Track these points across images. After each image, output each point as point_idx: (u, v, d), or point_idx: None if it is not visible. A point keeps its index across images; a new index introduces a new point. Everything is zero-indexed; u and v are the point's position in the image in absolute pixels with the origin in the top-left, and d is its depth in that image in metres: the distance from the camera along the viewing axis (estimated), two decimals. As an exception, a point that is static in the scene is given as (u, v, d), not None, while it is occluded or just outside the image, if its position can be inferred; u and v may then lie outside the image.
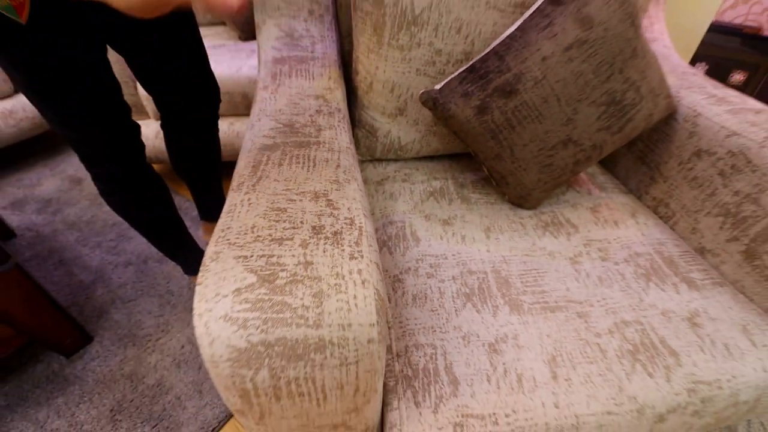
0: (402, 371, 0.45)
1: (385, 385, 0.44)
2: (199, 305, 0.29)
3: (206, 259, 0.31)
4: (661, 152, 0.67)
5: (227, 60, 1.12)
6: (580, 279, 0.55)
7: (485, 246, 0.59)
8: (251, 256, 0.31)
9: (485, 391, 0.43)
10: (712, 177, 0.59)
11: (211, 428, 0.75)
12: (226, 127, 1.18)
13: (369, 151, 0.74)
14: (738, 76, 1.20)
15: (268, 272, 0.30)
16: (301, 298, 0.29)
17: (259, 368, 0.29)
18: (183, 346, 0.89)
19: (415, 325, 0.49)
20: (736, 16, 1.21)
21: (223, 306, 0.28)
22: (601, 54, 0.49)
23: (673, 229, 0.66)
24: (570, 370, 0.45)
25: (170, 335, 0.91)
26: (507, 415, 0.41)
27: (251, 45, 1.24)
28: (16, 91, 1.33)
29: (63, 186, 1.33)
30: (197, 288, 0.30)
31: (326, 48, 0.69)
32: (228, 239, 0.33)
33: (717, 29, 1.21)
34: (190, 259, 0.89)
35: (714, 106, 0.61)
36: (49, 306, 0.77)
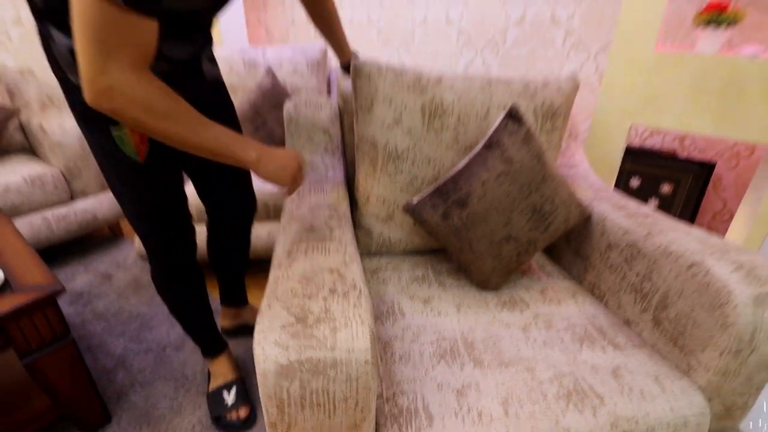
0: (390, 411, 0.58)
1: (377, 422, 0.57)
2: (258, 336, 0.46)
3: (263, 307, 0.49)
4: (587, 247, 0.88)
5: (256, 179, 1.40)
6: (529, 343, 0.71)
7: (456, 318, 0.76)
8: (291, 306, 0.49)
9: (453, 424, 0.56)
10: (621, 264, 0.79)
11: (217, 502, 0.80)
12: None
13: (366, 246, 0.95)
14: (666, 188, 1.49)
15: (302, 315, 0.48)
16: (323, 331, 0.46)
17: (293, 379, 0.45)
18: (194, 426, 0.96)
19: (401, 377, 0.63)
20: (655, 143, 1.55)
21: (273, 335, 0.46)
22: (521, 180, 0.74)
23: (606, 305, 0.84)
24: (518, 409, 0.58)
25: (183, 416, 0.99)
26: (469, 440, 0.54)
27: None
28: (71, 198, 1.59)
29: (94, 281, 1.50)
30: (258, 321, 0.47)
31: (336, 173, 0.95)
32: (276, 296, 0.51)
33: (644, 152, 1.54)
34: (210, 342, 1.03)
35: (616, 211, 0.84)
36: (87, 382, 0.89)
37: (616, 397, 0.61)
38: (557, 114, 0.90)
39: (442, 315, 0.77)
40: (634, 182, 1.51)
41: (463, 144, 0.87)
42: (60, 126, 1.53)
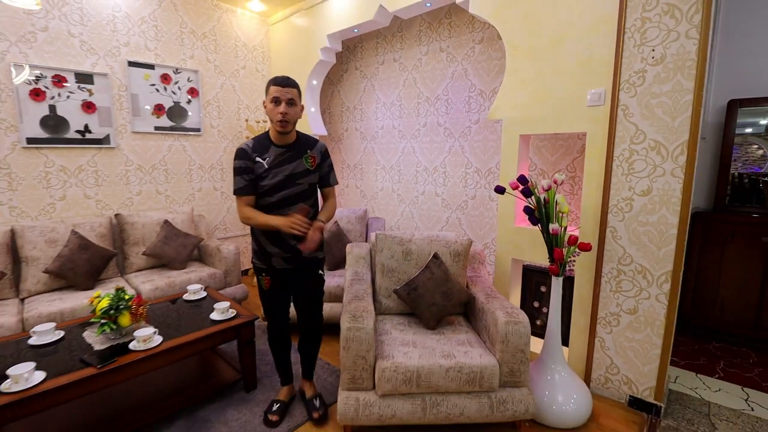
0: (377, 353, 1.70)
1: (374, 356, 1.69)
2: (343, 317, 1.65)
3: (344, 314, 1.69)
4: (471, 311, 2.01)
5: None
6: (439, 343, 1.80)
7: (412, 336, 1.88)
8: (351, 311, 1.69)
9: (400, 358, 1.67)
10: (479, 315, 1.91)
11: None
12: (318, 306, 2.61)
13: (378, 309, 2.12)
14: (543, 288, 2.58)
15: (355, 315, 1.67)
16: (359, 320, 1.65)
17: (350, 331, 1.62)
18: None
19: (384, 347, 1.76)
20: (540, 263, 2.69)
21: (347, 318, 1.64)
22: (437, 280, 1.93)
23: (476, 334, 1.93)
24: (424, 359, 1.68)
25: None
26: (399, 367, 1.65)
27: (336, 273, 2.82)
28: (225, 286, 2.88)
29: (231, 334, 2.70)
30: (342, 314, 1.66)
31: (367, 277, 2.18)
32: (346, 310, 1.71)
33: (535, 269, 2.65)
34: (283, 377, 1.96)
35: (485, 297, 1.99)
36: (254, 365, 2.03)
37: (463, 358, 1.69)
38: (460, 254, 2.12)
39: (407, 334, 1.89)
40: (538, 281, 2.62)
41: (417, 266, 2.09)
42: (225, 248, 2.94)
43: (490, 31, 2.75)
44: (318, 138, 2.06)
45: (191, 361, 2.20)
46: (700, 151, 2.84)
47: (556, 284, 1.89)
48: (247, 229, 3.97)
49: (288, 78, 1.61)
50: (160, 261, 2.87)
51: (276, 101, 1.57)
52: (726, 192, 2.76)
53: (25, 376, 1.40)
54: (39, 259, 2.45)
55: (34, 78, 2.66)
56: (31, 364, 1.44)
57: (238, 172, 1.65)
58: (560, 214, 1.82)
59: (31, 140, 2.68)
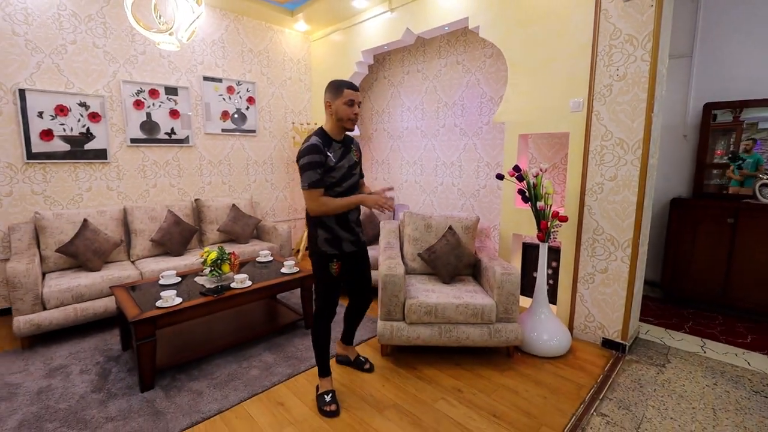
0: (405, 295, 2.32)
1: (404, 297, 2.31)
2: (381, 260, 2.28)
3: (381, 256, 2.33)
4: (477, 270, 2.60)
5: (360, 251, 3.31)
6: (452, 291, 2.41)
7: (432, 287, 2.50)
8: (387, 258, 2.33)
9: (426, 299, 2.29)
10: (485, 272, 2.51)
11: (354, 343, 2.50)
12: (356, 272, 3.26)
13: (405, 271, 2.75)
14: (554, 264, 3.14)
15: (390, 265, 2.30)
16: (393, 267, 2.28)
17: (387, 275, 2.26)
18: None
19: (410, 291, 2.38)
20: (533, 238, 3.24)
21: (384, 266, 2.28)
22: (451, 245, 2.54)
23: (481, 286, 2.52)
24: (443, 296, 2.29)
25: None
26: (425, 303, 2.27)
27: (370, 247, 3.46)
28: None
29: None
30: (380, 261, 2.29)
31: (396, 246, 2.81)
32: (385, 257, 2.35)
33: (535, 245, 3.21)
34: (324, 368, 1.95)
35: (488, 260, 2.58)
36: (310, 304, 2.69)
37: (469, 299, 2.29)
38: (469, 228, 2.72)
39: (427, 285, 2.50)
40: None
41: (436, 236, 2.70)
42: (280, 227, 3.64)
43: (499, 48, 3.32)
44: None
45: (265, 305, 2.90)
46: (683, 147, 3.35)
47: (543, 249, 2.47)
48: (292, 215, 4.69)
49: (356, 84, 1.84)
50: (229, 236, 3.59)
51: (351, 103, 1.75)
52: (702, 181, 3.24)
53: (171, 298, 2.10)
54: (144, 231, 3.20)
55: (136, 91, 3.42)
56: (173, 291, 2.14)
57: (311, 166, 1.71)
58: (546, 195, 2.39)
59: (133, 140, 3.44)
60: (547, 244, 2.45)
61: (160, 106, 3.56)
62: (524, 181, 2.46)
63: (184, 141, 3.73)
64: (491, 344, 2.27)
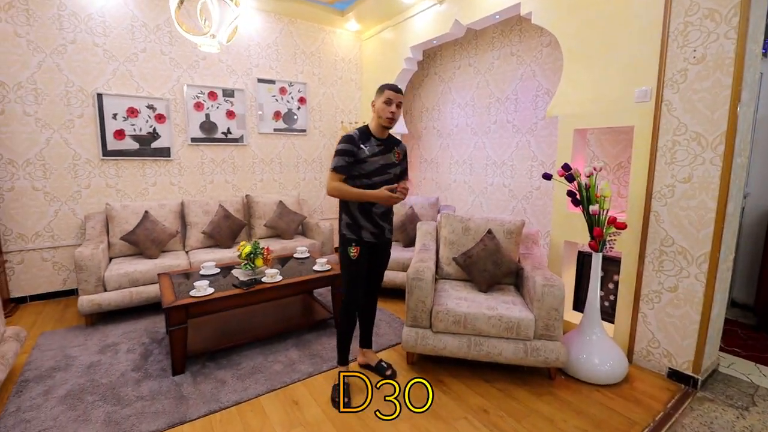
0: (434, 301, 2.18)
1: (432, 303, 2.17)
2: (413, 262, 2.16)
3: (416, 255, 2.21)
4: (520, 279, 2.36)
5: (395, 253, 3.20)
6: (487, 301, 2.22)
7: (466, 294, 2.32)
8: (417, 261, 2.20)
9: (452, 305, 2.12)
10: (526, 282, 2.27)
11: (381, 347, 2.41)
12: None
13: (439, 275, 2.59)
14: (616, 277, 2.77)
15: (418, 269, 2.18)
16: (422, 272, 2.14)
17: (414, 279, 2.13)
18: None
19: (442, 299, 2.22)
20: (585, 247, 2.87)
21: (413, 269, 2.15)
22: (489, 251, 2.34)
23: (522, 297, 2.28)
24: (474, 305, 2.11)
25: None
26: (455, 311, 2.10)
27: (409, 249, 3.35)
28: (321, 254, 3.62)
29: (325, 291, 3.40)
30: (413, 262, 2.18)
31: (432, 248, 2.67)
32: (418, 259, 2.23)
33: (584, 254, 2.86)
34: (343, 356, 2.06)
35: (532, 268, 2.33)
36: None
37: (504, 311, 2.08)
38: (512, 233, 2.48)
39: (461, 293, 2.33)
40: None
41: (474, 240, 2.50)
42: (323, 224, 3.67)
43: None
44: (400, 137, 2.59)
45: (298, 301, 2.93)
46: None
47: (596, 259, 2.16)
48: (336, 213, 4.73)
49: (399, 87, 1.90)
50: (275, 231, 3.71)
51: (389, 102, 1.86)
52: (817, 187, 2.63)
53: (204, 288, 2.18)
54: (198, 224, 3.42)
55: (197, 94, 3.68)
56: (206, 282, 2.23)
57: (341, 153, 1.86)
58: (602, 198, 2.09)
59: (193, 139, 3.70)
60: (600, 254, 2.14)
61: (218, 107, 3.79)
62: (575, 182, 2.18)
63: (239, 140, 3.94)
64: (527, 363, 2.04)
